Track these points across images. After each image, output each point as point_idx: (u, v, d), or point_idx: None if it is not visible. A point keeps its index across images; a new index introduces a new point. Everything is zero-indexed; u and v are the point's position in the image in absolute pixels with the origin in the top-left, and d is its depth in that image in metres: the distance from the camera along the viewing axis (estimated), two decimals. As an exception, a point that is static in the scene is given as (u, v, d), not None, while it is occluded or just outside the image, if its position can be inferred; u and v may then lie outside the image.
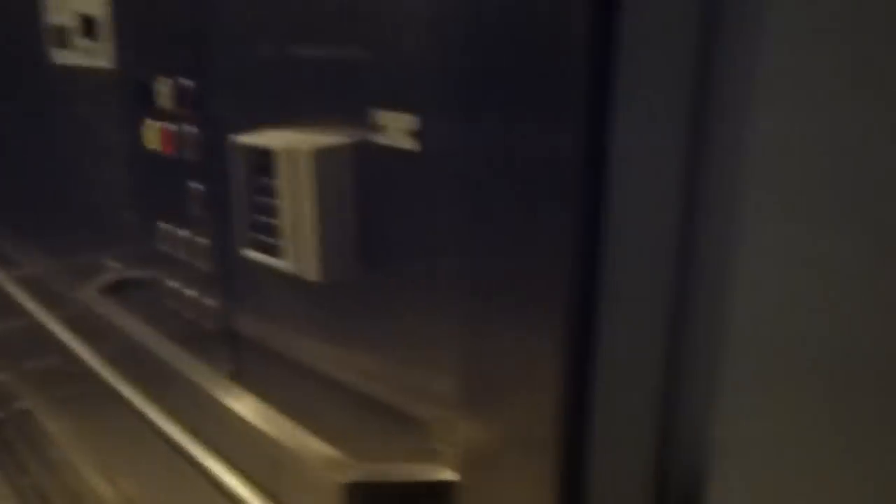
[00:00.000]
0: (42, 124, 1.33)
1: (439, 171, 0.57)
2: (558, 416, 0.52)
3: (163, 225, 1.00)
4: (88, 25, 1.08)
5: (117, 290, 1.18)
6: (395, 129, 0.59)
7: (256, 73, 0.76)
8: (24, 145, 1.43)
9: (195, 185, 0.90)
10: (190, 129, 0.88)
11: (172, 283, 1.02)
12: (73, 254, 1.36)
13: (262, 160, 0.69)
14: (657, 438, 0.53)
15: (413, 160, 0.59)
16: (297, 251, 0.67)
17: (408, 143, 0.59)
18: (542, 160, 0.48)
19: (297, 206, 0.66)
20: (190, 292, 0.99)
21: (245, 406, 0.83)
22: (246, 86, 0.79)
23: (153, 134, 0.95)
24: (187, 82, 0.87)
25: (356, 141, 0.64)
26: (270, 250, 0.72)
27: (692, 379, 0.52)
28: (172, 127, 0.91)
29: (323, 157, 0.63)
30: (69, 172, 1.29)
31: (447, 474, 0.61)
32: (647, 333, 0.51)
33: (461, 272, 0.56)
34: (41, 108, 1.32)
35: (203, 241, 0.92)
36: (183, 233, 0.96)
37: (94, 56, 1.08)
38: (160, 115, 0.94)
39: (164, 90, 0.90)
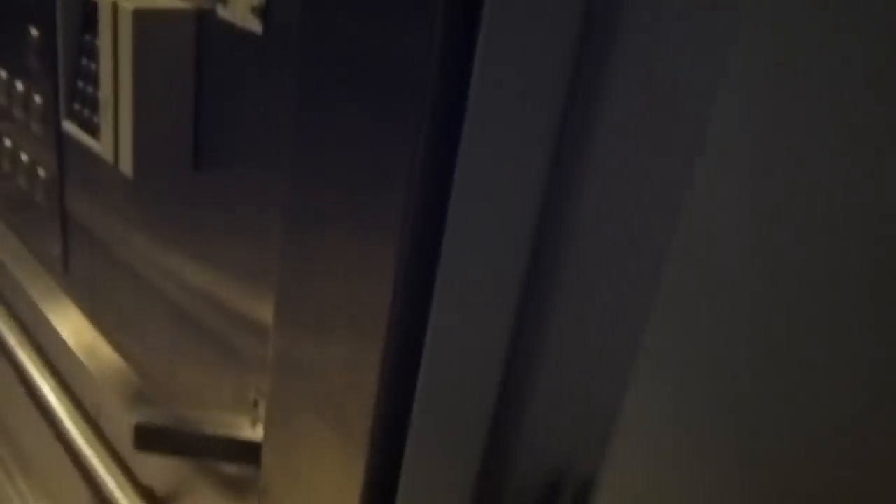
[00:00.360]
0: None
1: (283, 59, 0.45)
2: (378, 383, 0.42)
3: (2, 72, 0.85)
4: None
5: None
6: (240, 2, 0.46)
7: None
8: None
9: (33, 31, 0.75)
10: (31, -39, 0.73)
11: (7, 143, 0.88)
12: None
13: (91, 13, 0.55)
14: (498, 438, 0.44)
15: (255, 43, 0.46)
16: (115, 135, 0.54)
17: (251, 22, 0.46)
18: (396, 57, 0.36)
19: (117, 77, 0.52)
20: (25, 156, 0.84)
21: (62, 318, 0.71)
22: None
23: (-6, -41, 0.79)
24: None
25: (193, 9, 0.50)
26: (89, 127, 0.59)
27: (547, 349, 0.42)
28: (12, -46, 0.75)
29: (149, 19, 0.49)
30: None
31: (253, 432, 0.51)
32: (502, 281, 0.40)
33: (293, 183, 0.44)
34: None
35: (39, 99, 0.77)
36: (20, 85, 0.81)
37: None
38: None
39: None
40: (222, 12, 0.48)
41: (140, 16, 0.49)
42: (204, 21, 0.50)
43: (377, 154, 0.38)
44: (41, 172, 0.81)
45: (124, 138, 0.53)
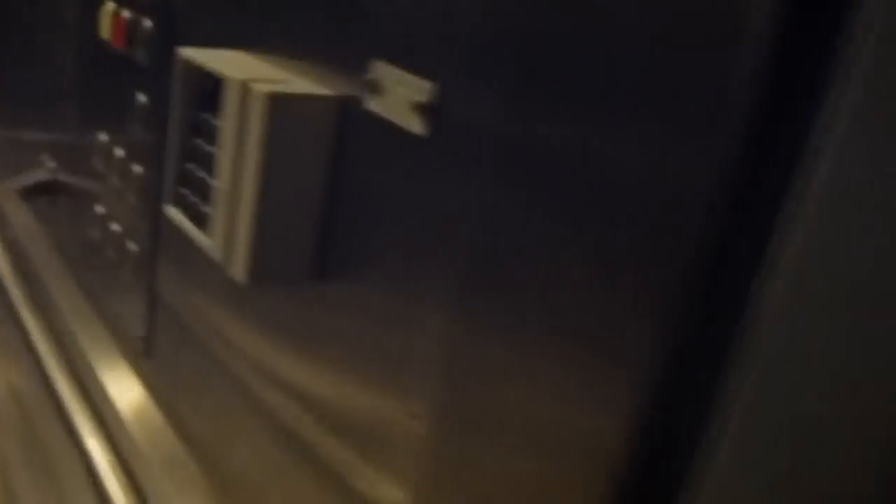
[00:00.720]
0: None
1: (447, 160, 0.37)
2: None
3: (102, 136, 0.79)
4: None
5: (45, 191, 0.98)
6: (398, 96, 0.38)
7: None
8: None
9: (141, 97, 0.69)
10: (147, 24, 0.67)
11: (100, 209, 0.82)
12: (13, 131, 1.15)
13: (211, 89, 0.49)
14: None
15: (411, 140, 0.38)
16: (229, 232, 0.47)
17: (411, 121, 0.38)
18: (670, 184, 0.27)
19: (239, 167, 0.45)
20: (115, 227, 0.78)
21: (136, 411, 0.64)
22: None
23: (107, 19, 0.74)
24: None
25: (337, 97, 0.43)
26: (197, 217, 0.51)
27: None
28: (127, 15, 0.70)
29: (285, 106, 0.42)
30: (23, 42, 1.08)
31: None
32: None
33: (466, 304, 0.36)
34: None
35: (138, 169, 0.71)
36: (119, 152, 0.75)
37: None
38: (118, -4, 0.72)
39: (123, -36, 0.69)
40: (374, 106, 0.40)
41: (276, 101, 0.41)
42: (346, 111, 0.43)
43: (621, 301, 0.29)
44: (131, 246, 0.74)
45: (240, 238, 0.45)
